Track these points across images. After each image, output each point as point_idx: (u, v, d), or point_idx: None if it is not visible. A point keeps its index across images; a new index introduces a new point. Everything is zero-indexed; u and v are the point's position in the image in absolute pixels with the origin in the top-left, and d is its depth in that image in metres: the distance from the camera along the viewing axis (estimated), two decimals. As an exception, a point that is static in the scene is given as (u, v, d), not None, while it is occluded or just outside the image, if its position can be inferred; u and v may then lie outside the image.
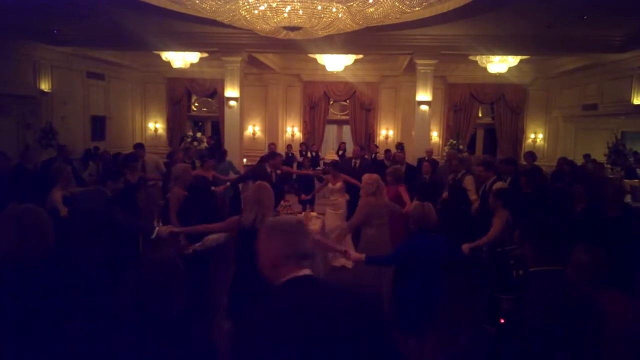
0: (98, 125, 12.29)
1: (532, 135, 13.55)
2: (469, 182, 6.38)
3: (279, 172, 6.99)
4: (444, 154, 12.14)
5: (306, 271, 1.56)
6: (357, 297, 1.58)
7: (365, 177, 4.61)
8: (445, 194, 6.77)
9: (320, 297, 1.51)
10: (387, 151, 10.47)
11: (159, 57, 11.02)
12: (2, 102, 9.37)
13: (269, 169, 6.82)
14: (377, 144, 12.96)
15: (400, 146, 11.70)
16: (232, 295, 3.51)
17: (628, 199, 8.29)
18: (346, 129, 14.30)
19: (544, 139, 13.54)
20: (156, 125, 14.40)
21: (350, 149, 13.44)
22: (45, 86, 10.29)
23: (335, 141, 14.52)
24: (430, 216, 3.37)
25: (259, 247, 1.63)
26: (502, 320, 1.76)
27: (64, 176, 4.82)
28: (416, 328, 3.34)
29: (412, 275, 3.30)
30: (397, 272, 3.72)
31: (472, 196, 6.18)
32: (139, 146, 8.34)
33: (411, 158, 9.97)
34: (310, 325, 1.40)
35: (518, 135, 13.41)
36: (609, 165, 9.55)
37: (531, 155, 9.24)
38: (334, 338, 1.40)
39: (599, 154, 10.02)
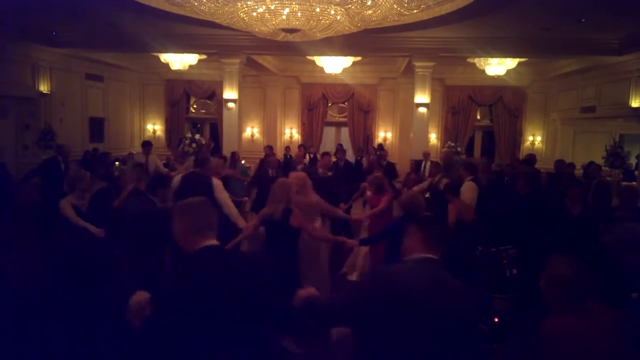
0: (97, 127, 12.30)
1: (531, 138, 13.57)
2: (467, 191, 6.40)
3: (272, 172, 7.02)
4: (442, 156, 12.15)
5: (213, 241, 1.89)
6: (252, 261, 2.00)
7: (292, 175, 4.97)
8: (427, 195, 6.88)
9: (224, 261, 1.88)
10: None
11: (158, 59, 11.04)
12: (1, 104, 9.38)
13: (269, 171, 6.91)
14: (375, 146, 12.93)
15: (380, 147, 11.73)
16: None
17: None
18: (344, 131, 14.31)
19: (542, 141, 13.57)
20: (155, 127, 14.40)
21: (350, 151, 13.50)
22: (44, 87, 10.30)
23: (333, 143, 14.52)
24: (416, 202, 3.81)
25: (173, 225, 1.93)
26: (496, 320, 1.77)
27: (82, 185, 4.44)
28: None
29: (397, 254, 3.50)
30: (386, 254, 4.16)
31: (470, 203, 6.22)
32: (146, 144, 8.74)
33: (409, 161, 9.98)
34: (217, 284, 1.74)
35: (516, 138, 13.43)
36: (607, 168, 9.57)
37: (530, 157, 9.26)
38: (236, 294, 1.75)
39: (597, 157, 10.04)
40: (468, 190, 5.61)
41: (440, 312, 1.77)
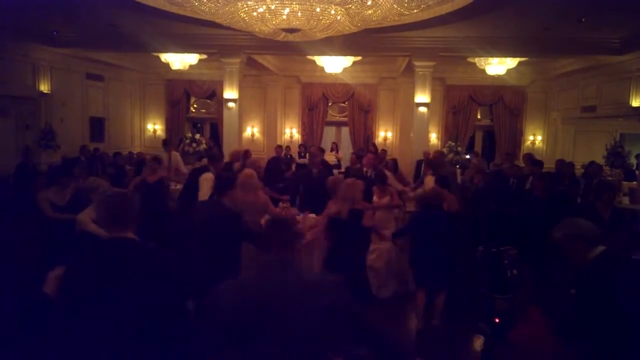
0: (97, 127, 12.30)
1: (531, 137, 13.57)
2: (428, 183, 6.87)
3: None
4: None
5: (128, 234, 2.01)
6: (154, 255, 2.11)
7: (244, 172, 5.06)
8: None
9: (127, 252, 2.00)
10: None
11: (158, 58, 11.04)
12: (1, 103, 9.38)
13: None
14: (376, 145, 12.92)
15: (360, 151, 11.68)
16: (329, 269, 4.15)
17: (625, 201, 8.31)
18: (345, 130, 14.31)
19: (542, 140, 13.56)
20: (155, 127, 14.40)
21: (349, 151, 13.51)
22: (44, 87, 10.31)
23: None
24: (430, 197, 4.59)
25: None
26: (497, 320, 1.77)
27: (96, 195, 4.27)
28: (426, 282, 4.45)
29: (419, 242, 4.45)
30: (411, 242, 4.73)
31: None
32: (166, 142, 9.02)
33: (409, 160, 9.99)
34: (115, 273, 1.89)
35: (517, 137, 13.43)
36: (607, 167, 9.57)
37: (530, 157, 9.26)
38: (132, 280, 1.89)
39: (598, 156, 10.03)
40: (429, 183, 6.56)
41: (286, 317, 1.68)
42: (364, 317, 1.80)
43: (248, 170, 4.94)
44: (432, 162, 7.80)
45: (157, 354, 1.89)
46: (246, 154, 9.77)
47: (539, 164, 7.86)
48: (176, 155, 8.97)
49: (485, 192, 6.79)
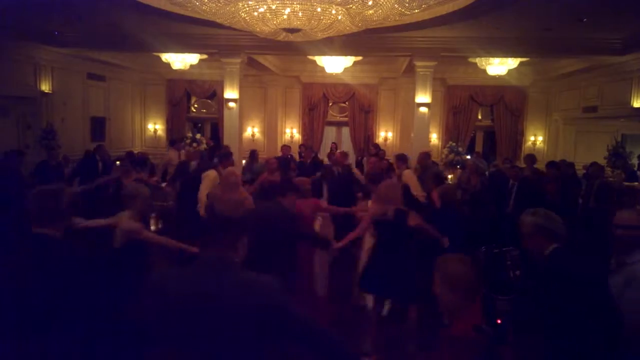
0: (98, 126, 12.31)
1: (532, 138, 13.55)
2: (408, 177, 6.98)
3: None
4: (443, 156, 12.15)
5: (50, 230, 2.11)
6: (70, 253, 2.16)
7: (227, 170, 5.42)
8: None
9: (40, 248, 2.08)
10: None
11: (159, 58, 11.04)
12: (2, 103, 9.39)
13: None
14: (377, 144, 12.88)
15: (376, 146, 11.77)
16: (370, 268, 4.31)
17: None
18: (345, 130, 14.30)
19: (543, 141, 13.55)
20: (156, 127, 14.41)
21: (351, 152, 13.50)
22: (45, 87, 10.31)
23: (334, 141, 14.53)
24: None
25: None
26: (499, 321, 1.76)
27: (140, 201, 3.86)
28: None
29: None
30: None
31: (417, 192, 6.49)
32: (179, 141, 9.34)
33: (411, 160, 9.96)
34: (25, 268, 2.00)
35: (518, 138, 13.41)
36: (609, 168, 9.55)
37: (531, 157, 9.24)
38: (40, 276, 1.98)
39: (599, 157, 10.02)
40: (407, 176, 6.85)
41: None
42: (303, 318, 1.77)
43: (230, 169, 5.52)
44: (402, 156, 7.77)
45: (65, 349, 1.98)
46: (253, 154, 9.86)
47: (556, 165, 7.65)
48: (184, 155, 9.19)
49: (483, 193, 6.77)
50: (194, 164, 7.61)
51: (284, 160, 9.32)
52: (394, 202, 4.18)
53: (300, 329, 1.77)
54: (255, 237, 3.46)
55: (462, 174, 8.62)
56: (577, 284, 2.28)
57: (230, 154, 7.06)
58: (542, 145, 13.50)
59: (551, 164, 8.04)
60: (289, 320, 1.73)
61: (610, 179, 8.73)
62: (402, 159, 7.59)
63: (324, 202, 6.14)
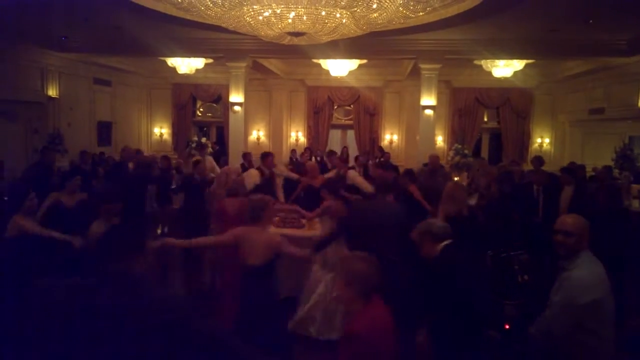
0: (104, 131, 12.38)
1: (539, 140, 13.47)
2: (352, 177, 7.06)
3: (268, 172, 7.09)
4: (449, 158, 12.10)
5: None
6: None
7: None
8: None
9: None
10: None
11: (165, 63, 11.10)
12: (10, 108, 9.47)
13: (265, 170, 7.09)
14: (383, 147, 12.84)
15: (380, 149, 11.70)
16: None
17: (636, 204, 8.21)
18: (350, 133, 14.29)
19: (550, 143, 13.46)
20: (161, 131, 14.47)
21: (353, 153, 13.47)
22: (52, 92, 10.39)
23: (339, 146, 14.51)
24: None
25: None
26: (507, 326, 1.74)
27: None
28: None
29: None
30: None
31: (367, 188, 6.51)
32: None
33: (416, 163, 9.94)
34: None
35: (524, 140, 13.34)
36: (617, 170, 9.47)
37: (538, 160, 9.16)
38: None
39: (607, 159, 9.94)
40: (351, 175, 7.06)
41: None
42: (209, 332, 1.81)
43: (227, 168, 6.28)
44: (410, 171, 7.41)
45: None
46: (267, 156, 9.75)
47: (571, 171, 7.13)
48: (210, 160, 9.22)
49: (501, 203, 6.19)
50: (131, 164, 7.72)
51: (297, 165, 9.38)
52: (461, 202, 4.28)
53: (207, 346, 1.79)
54: (368, 234, 3.69)
55: (480, 179, 8.14)
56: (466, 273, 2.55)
57: (270, 153, 7.22)
58: (549, 147, 13.42)
59: (565, 170, 7.75)
60: (195, 337, 1.75)
61: (619, 181, 8.65)
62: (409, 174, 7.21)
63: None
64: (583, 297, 2.40)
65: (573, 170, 7.26)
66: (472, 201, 6.31)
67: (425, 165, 8.83)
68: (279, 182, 7.25)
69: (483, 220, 5.79)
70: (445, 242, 2.83)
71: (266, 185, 6.47)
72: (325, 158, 10.30)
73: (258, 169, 6.99)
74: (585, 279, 2.45)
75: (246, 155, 9.39)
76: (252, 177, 6.44)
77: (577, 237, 2.57)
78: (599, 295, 2.41)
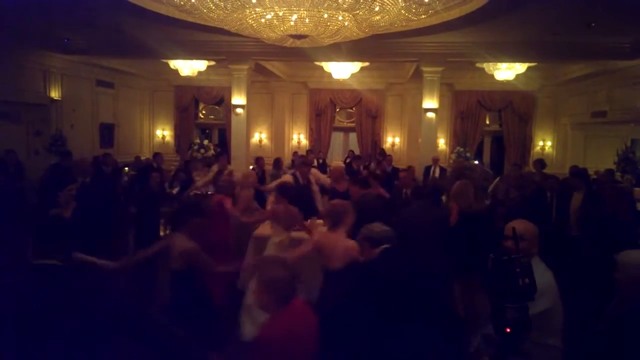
0: (107, 133, 12.42)
1: (541, 143, 13.45)
2: (314, 174, 7.09)
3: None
4: (451, 161, 12.09)
5: None
6: None
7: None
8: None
9: None
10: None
11: (167, 65, 11.14)
12: (13, 109, 9.50)
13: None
14: (384, 150, 12.83)
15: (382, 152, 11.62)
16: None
17: (639, 207, 8.17)
18: (352, 136, 14.30)
19: (552, 146, 13.45)
20: (164, 133, 14.51)
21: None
22: (55, 94, 10.43)
23: (341, 148, 14.53)
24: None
25: None
26: (508, 330, 1.73)
27: None
28: None
29: None
30: None
31: (314, 187, 6.72)
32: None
33: (418, 166, 9.94)
34: None
35: (526, 143, 13.32)
36: (619, 173, 9.45)
37: (540, 162, 9.16)
38: None
39: (609, 162, 9.92)
40: (316, 174, 7.08)
41: None
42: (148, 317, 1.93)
43: (249, 172, 6.56)
44: (453, 172, 7.42)
45: None
46: (277, 162, 9.85)
47: (582, 175, 7.04)
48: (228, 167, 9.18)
49: (522, 210, 5.78)
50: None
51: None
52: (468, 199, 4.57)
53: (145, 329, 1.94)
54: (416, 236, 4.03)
55: (499, 185, 7.52)
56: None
57: (309, 162, 7.24)
58: (550, 150, 13.40)
59: (576, 174, 7.55)
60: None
61: (621, 184, 8.63)
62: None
63: None
64: (532, 308, 2.31)
65: (584, 175, 7.24)
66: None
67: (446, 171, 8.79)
68: (316, 189, 6.93)
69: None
70: (384, 246, 2.88)
71: (303, 193, 6.37)
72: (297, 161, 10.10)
73: (293, 175, 6.90)
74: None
75: (259, 160, 9.45)
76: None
77: (528, 242, 2.50)
78: (549, 304, 2.31)
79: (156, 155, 9.68)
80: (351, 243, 3.52)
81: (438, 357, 2.56)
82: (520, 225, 2.60)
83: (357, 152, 13.63)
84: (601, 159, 10.59)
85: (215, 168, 8.49)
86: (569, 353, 2.54)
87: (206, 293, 3.67)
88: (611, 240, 4.16)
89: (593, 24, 7.31)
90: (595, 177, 9.10)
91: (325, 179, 7.00)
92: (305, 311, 2.30)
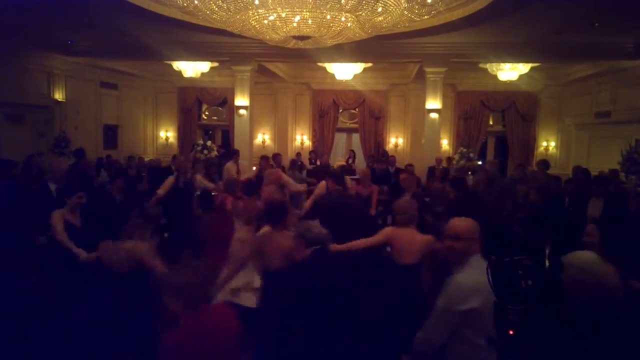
0: (110, 134, 12.47)
1: (544, 143, 13.40)
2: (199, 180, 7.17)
3: None
4: (454, 162, 12.05)
5: None
6: None
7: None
8: None
9: None
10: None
11: (171, 66, 11.17)
12: (17, 111, 9.56)
13: None
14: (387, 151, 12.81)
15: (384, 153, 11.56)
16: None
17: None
18: (355, 137, 14.29)
19: (556, 147, 13.39)
20: (167, 134, 14.55)
21: (360, 157, 13.48)
22: (59, 95, 10.48)
23: (344, 149, 14.52)
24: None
25: None
26: (511, 332, 1.73)
27: None
28: None
29: None
30: None
31: (291, 185, 6.71)
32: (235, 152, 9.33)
33: (421, 166, 9.93)
34: None
35: (530, 143, 13.28)
36: (623, 174, 9.39)
37: (544, 163, 9.12)
38: None
39: (613, 163, 9.86)
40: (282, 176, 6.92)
41: None
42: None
43: (274, 170, 6.62)
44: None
45: None
46: (294, 163, 9.93)
47: (539, 169, 6.80)
48: (244, 166, 9.34)
49: (543, 214, 5.55)
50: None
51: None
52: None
53: None
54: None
55: (519, 187, 7.02)
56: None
57: (341, 174, 6.99)
58: (554, 150, 13.35)
59: (597, 181, 6.64)
60: None
61: (625, 185, 8.58)
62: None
63: None
64: (461, 304, 2.29)
65: (607, 181, 6.50)
66: None
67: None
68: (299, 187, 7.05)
69: (522, 231, 5.29)
70: (315, 247, 2.86)
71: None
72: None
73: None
74: (466, 285, 2.33)
75: (276, 157, 9.47)
76: (320, 189, 6.27)
77: (466, 241, 2.46)
78: (477, 303, 2.26)
79: (174, 158, 9.51)
80: (426, 237, 3.74)
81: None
82: (459, 223, 2.55)
83: (359, 152, 13.65)
84: (605, 160, 10.52)
85: (230, 167, 8.53)
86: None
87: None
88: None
89: (597, 24, 7.28)
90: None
91: (290, 182, 6.82)
92: (222, 316, 2.28)
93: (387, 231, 3.94)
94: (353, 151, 13.12)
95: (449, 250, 2.54)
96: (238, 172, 8.57)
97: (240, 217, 4.46)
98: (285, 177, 6.99)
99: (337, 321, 2.50)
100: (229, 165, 8.77)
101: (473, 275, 2.31)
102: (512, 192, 6.12)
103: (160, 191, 6.68)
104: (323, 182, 6.23)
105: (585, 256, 2.33)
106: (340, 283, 2.67)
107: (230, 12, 5.56)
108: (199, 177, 7.40)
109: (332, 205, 4.82)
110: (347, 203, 5.01)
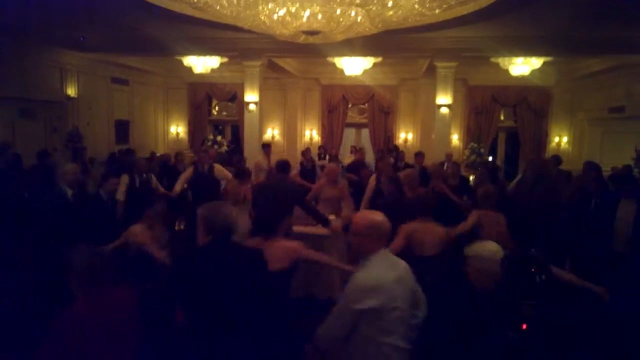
0: (122, 129, 12.57)
1: (557, 139, 13.25)
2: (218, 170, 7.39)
3: None
4: (465, 157, 11.99)
5: None
6: None
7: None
8: None
9: None
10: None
11: (181, 62, 11.19)
12: (30, 107, 9.67)
13: None
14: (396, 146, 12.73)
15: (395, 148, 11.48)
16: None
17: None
18: (365, 132, 14.26)
19: (568, 142, 13.23)
20: (178, 129, 14.64)
21: (369, 152, 13.41)
22: (71, 91, 10.59)
23: (354, 144, 14.49)
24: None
25: None
26: (525, 327, 1.72)
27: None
28: None
29: None
30: None
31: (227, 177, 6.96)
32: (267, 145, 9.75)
33: (431, 162, 9.85)
34: None
35: (542, 139, 13.14)
36: (636, 170, 9.26)
37: (556, 159, 9.03)
38: None
39: (626, 158, 9.73)
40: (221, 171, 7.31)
41: None
42: None
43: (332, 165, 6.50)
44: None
45: None
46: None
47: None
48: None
49: (570, 213, 5.35)
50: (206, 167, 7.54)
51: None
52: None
53: None
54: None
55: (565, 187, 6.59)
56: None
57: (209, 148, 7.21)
58: (567, 146, 13.19)
59: (623, 180, 6.46)
60: None
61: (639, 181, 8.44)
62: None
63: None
64: (357, 303, 2.20)
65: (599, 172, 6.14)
66: None
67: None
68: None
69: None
70: (214, 236, 2.53)
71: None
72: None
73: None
74: (363, 284, 2.23)
75: (305, 153, 9.64)
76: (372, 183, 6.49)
77: (362, 238, 2.34)
78: (377, 302, 2.17)
79: (177, 154, 9.51)
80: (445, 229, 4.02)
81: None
82: (356, 219, 2.45)
83: (369, 148, 13.60)
84: (619, 156, 10.37)
85: (262, 160, 8.76)
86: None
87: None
88: None
89: (611, 17, 7.16)
90: (611, 173, 8.93)
91: (227, 174, 7.15)
92: (119, 299, 2.33)
93: (406, 227, 3.94)
94: (354, 147, 13.10)
95: (349, 248, 2.50)
96: (269, 164, 8.70)
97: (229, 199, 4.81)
98: (222, 170, 7.40)
99: (217, 316, 2.34)
100: (261, 159, 8.96)
101: (372, 274, 2.24)
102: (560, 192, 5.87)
103: (177, 187, 7.02)
104: (373, 176, 6.63)
105: (490, 246, 2.27)
106: (220, 279, 2.37)
107: (240, 7, 5.58)
108: (217, 167, 7.53)
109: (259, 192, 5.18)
110: (274, 188, 5.17)
